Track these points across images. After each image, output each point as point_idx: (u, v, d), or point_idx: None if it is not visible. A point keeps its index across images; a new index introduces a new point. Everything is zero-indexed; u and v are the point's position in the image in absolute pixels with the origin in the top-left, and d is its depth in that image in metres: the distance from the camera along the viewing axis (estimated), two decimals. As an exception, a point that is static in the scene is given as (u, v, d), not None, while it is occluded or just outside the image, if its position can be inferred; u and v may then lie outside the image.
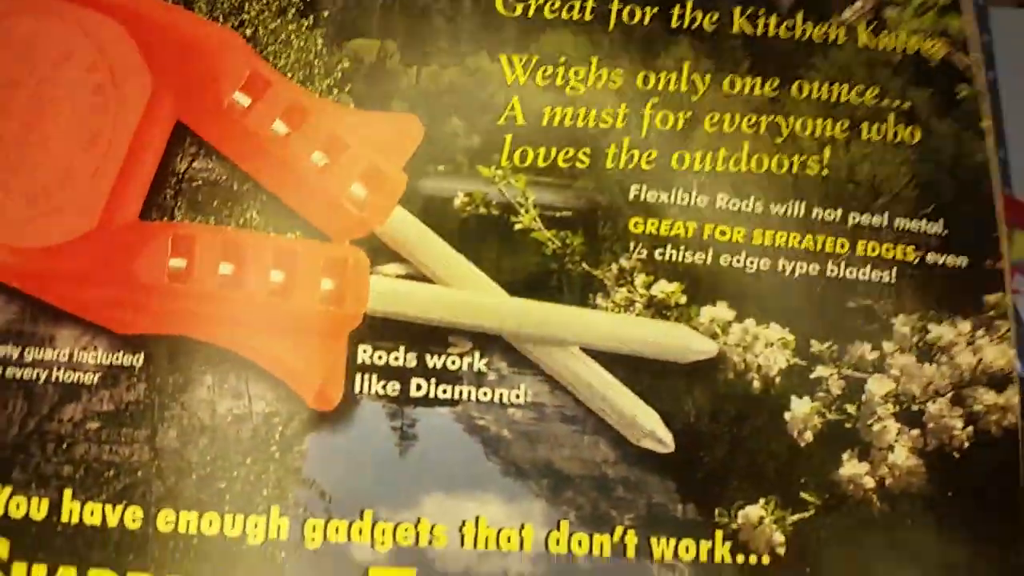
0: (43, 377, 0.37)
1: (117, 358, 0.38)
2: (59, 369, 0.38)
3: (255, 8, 0.41)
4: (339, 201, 0.38)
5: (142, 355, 0.38)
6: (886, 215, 0.41)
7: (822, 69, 0.42)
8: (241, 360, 0.38)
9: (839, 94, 0.41)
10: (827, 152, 0.41)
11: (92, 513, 0.37)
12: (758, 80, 0.42)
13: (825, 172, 0.41)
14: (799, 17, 0.42)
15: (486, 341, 0.38)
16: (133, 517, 0.37)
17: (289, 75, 0.40)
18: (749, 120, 0.41)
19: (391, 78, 0.41)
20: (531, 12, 0.41)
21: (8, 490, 0.36)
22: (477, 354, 0.38)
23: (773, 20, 0.42)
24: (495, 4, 0.42)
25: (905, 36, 0.43)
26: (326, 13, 0.41)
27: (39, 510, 0.36)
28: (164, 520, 0.36)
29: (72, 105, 0.39)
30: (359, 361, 0.38)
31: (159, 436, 0.38)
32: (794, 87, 0.42)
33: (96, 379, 0.38)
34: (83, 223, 0.38)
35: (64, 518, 0.36)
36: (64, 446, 0.37)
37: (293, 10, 0.41)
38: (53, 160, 0.39)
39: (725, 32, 0.41)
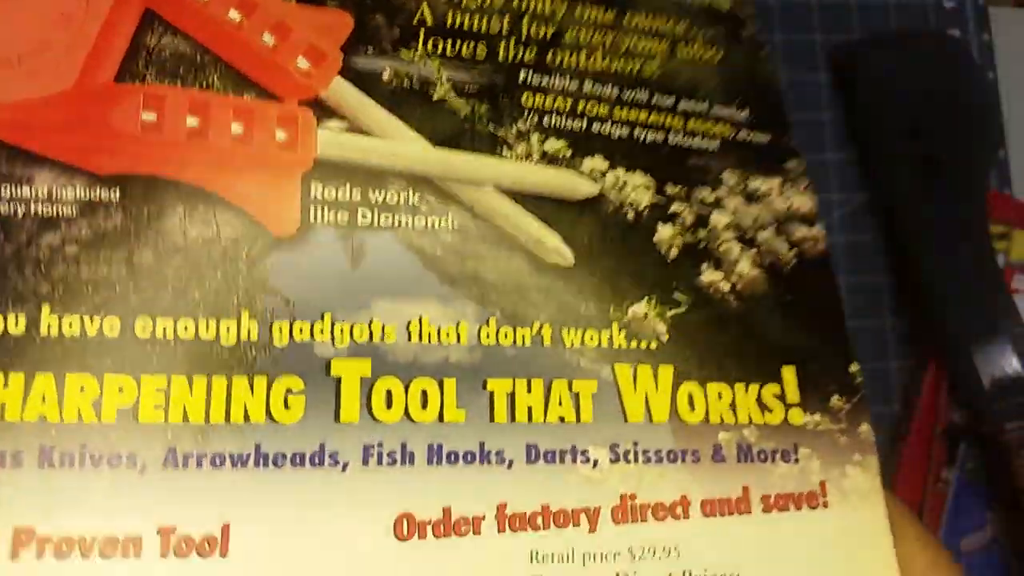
0: (21, 212, 0.31)
1: (95, 193, 0.32)
2: (38, 203, 0.31)
3: None
4: (288, 70, 0.34)
5: (118, 190, 0.32)
6: (707, 103, 0.40)
7: (652, 5, 0.41)
8: (209, 194, 0.33)
9: (659, 24, 0.41)
10: (658, 59, 0.40)
11: (71, 325, 0.30)
12: (601, 8, 0.40)
13: (660, 72, 0.40)
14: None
15: (417, 181, 0.35)
16: (111, 326, 0.31)
17: None
18: (602, 34, 0.40)
19: None
20: None
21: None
22: (411, 189, 0.35)
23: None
24: None
25: None
26: None
27: (17, 325, 0.30)
28: (142, 327, 0.31)
29: None
30: (312, 196, 0.33)
31: (136, 256, 0.31)
32: (628, 15, 0.41)
33: (75, 211, 0.31)
34: (60, 83, 0.32)
35: (43, 331, 0.30)
36: (42, 268, 0.31)
37: None
38: (28, 32, 0.33)
39: None
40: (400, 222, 0.34)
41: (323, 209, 0.33)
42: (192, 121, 0.33)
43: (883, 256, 0.42)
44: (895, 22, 0.44)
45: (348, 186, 0.34)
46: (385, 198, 0.34)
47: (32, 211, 0.31)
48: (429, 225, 0.34)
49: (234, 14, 0.35)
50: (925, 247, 0.39)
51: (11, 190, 0.31)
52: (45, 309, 0.30)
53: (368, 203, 0.34)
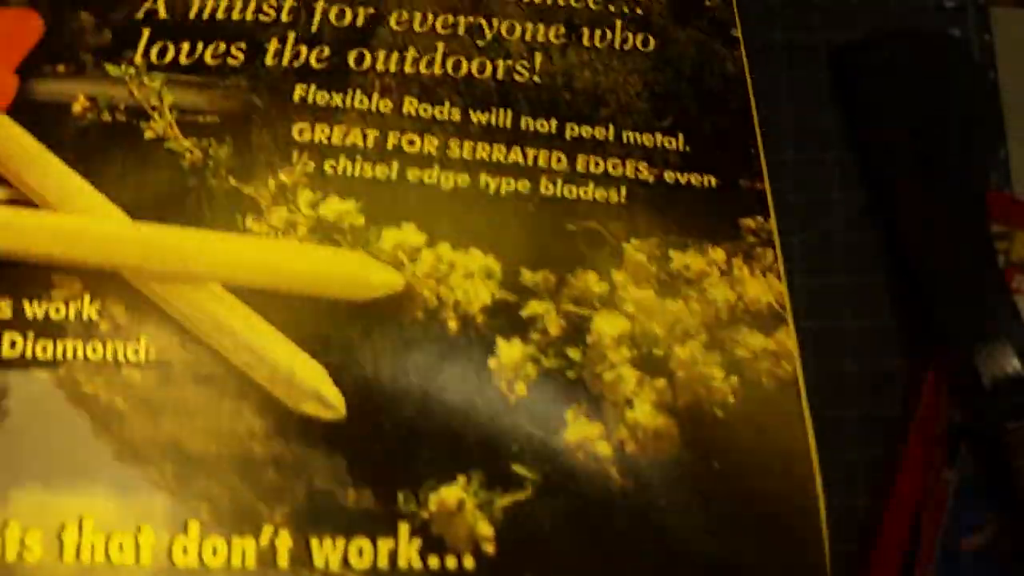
0: None
1: None
2: None
3: None
4: None
5: None
6: (611, 128, 0.23)
7: None
8: None
9: None
10: (539, 57, 0.23)
11: None
12: None
13: (536, 79, 0.23)
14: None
15: (100, 281, 0.20)
16: None
17: None
18: (445, 20, 0.23)
19: None
20: None
21: None
22: (87, 297, 0.20)
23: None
24: None
25: None
26: None
27: None
28: None
29: None
30: None
31: None
32: None
33: None
34: None
35: None
36: None
37: None
38: None
39: None
40: (65, 353, 0.20)
41: None
42: None
43: (883, 256, 0.38)
44: (895, 22, 0.41)
45: None
46: (48, 312, 0.20)
47: None
48: (109, 356, 0.20)
49: None
50: (925, 247, 0.36)
51: None
52: None
53: (22, 321, 0.20)
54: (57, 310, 0.20)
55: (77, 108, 0.21)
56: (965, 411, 0.37)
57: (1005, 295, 0.37)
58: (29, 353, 0.20)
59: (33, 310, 0.20)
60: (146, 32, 0.22)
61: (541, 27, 0.24)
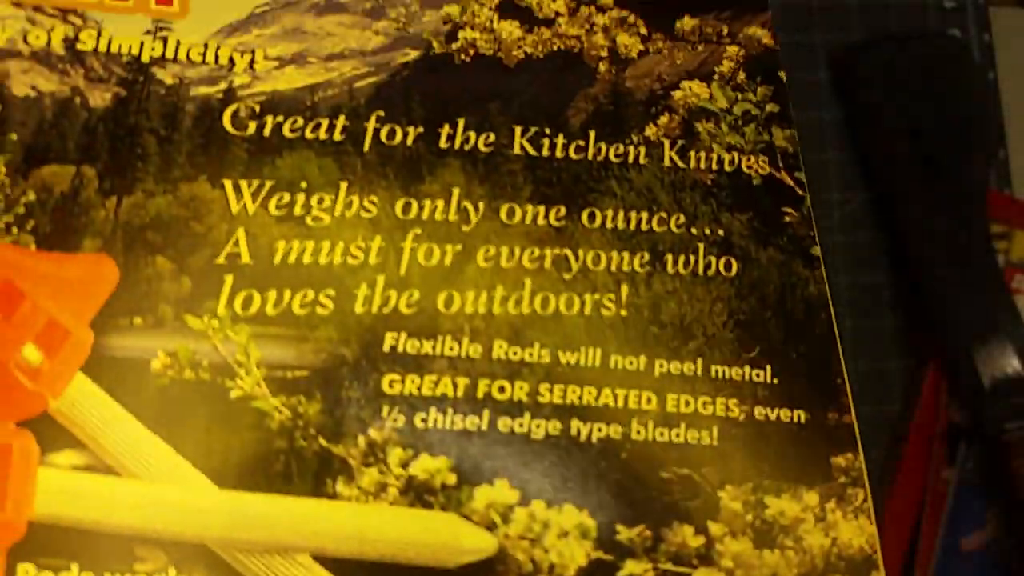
0: None
1: None
2: None
3: None
4: (8, 370, 0.19)
5: None
6: (700, 362, 0.22)
7: (619, 194, 0.23)
8: None
9: (638, 223, 0.23)
10: (625, 289, 0.22)
11: None
12: (541, 208, 0.23)
13: (623, 312, 0.22)
14: (592, 136, 0.24)
15: (186, 552, 0.19)
16: None
17: None
18: (531, 253, 0.22)
19: (84, 211, 0.21)
20: (267, 131, 0.22)
21: None
22: (172, 571, 0.18)
23: (560, 140, 0.24)
24: (222, 122, 0.22)
25: (720, 152, 0.24)
26: (14, 137, 0.22)
27: None
28: None
29: None
30: None
31: None
32: (584, 215, 0.23)
33: None
34: None
35: None
36: None
37: None
38: None
39: (504, 154, 0.23)
40: None
41: None
42: None
43: (883, 256, 0.39)
44: (895, 22, 0.42)
45: (75, 568, 0.19)
46: None
47: None
48: None
49: None
50: (925, 247, 0.36)
51: None
52: None
53: None
54: None
55: (157, 365, 0.20)
56: (965, 411, 0.37)
57: (1005, 295, 0.37)
58: (111, 638, 0.19)
59: None
60: (229, 279, 0.21)
61: (626, 255, 0.23)
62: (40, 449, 0.19)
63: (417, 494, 0.20)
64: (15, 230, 0.21)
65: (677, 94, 0.26)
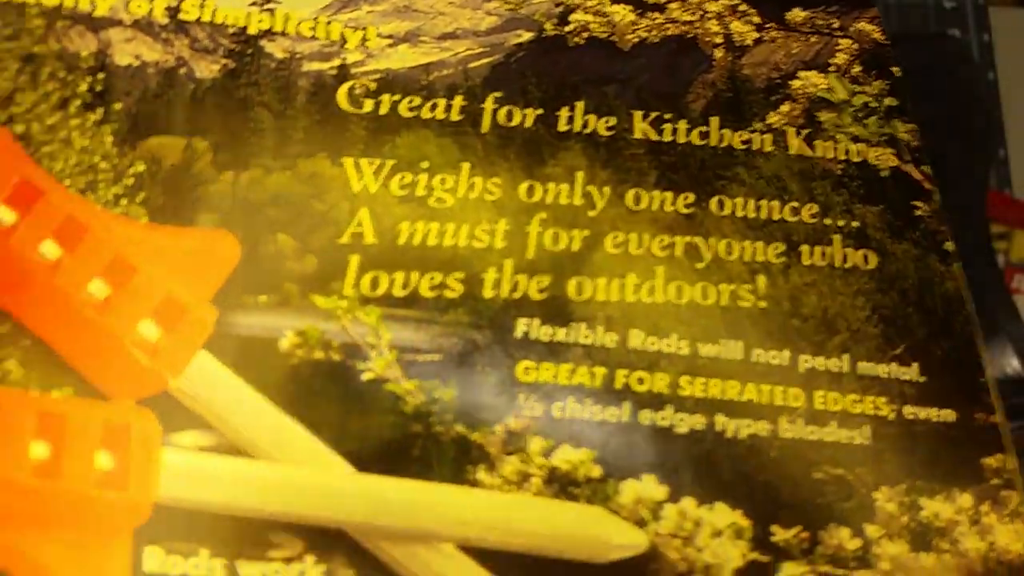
0: None
1: None
2: None
3: (29, 99, 0.26)
4: (122, 345, 0.24)
5: None
6: (846, 358, 0.27)
7: (747, 182, 0.29)
8: None
9: (770, 211, 0.29)
10: (761, 280, 0.28)
11: None
12: (668, 195, 0.28)
13: (762, 304, 0.28)
14: (714, 123, 0.30)
15: (324, 539, 0.23)
16: None
17: (67, 182, 0.26)
18: (661, 241, 0.28)
19: (198, 185, 0.26)
20: (384, 109, 0.28)
21: None
22: (311, 559, 0.23)
23: (683, 125, 0.30)
24: (337, 99, 0.28)
25: (846, 143, 0.31)
26: (119, 106, 0.27)
27: None
28: None
29: None
30: (146, 570, 0.23)
31: None
32: (713, 203, 0.29)
33: None
34: None
35: None
36: None
37: (78, 102, 0.27)
38: None
39: (625, 138, 0.29)
40: None
41: None
42: None
43: None
44: (895, 22, 0.50)
45: (205, 554, 0.24)
46: (264, 574, 0.24)
47: None
48: None
49: (49, 248, 0.25)
50: None
51: None
52: None
53: None
54: (277, 572, 0.24)
55: (285, 344, 0.26)
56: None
57: (1005, 295, 0.44)
58: (245, 625, 0.24)
59: (250, 571, 0.24)
60: (354, 259, 0.26)
61: (760, 245, 0.29)
62: (163, 429, 0.24)
63: (561, 486, 0.25)
64: (124, 202, 0.27)
65: (795, 83, 0.33)
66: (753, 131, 0.31)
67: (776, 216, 0.30)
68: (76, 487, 0.24)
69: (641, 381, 0.27)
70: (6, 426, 0.24)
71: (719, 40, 0.33)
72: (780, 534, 0.26)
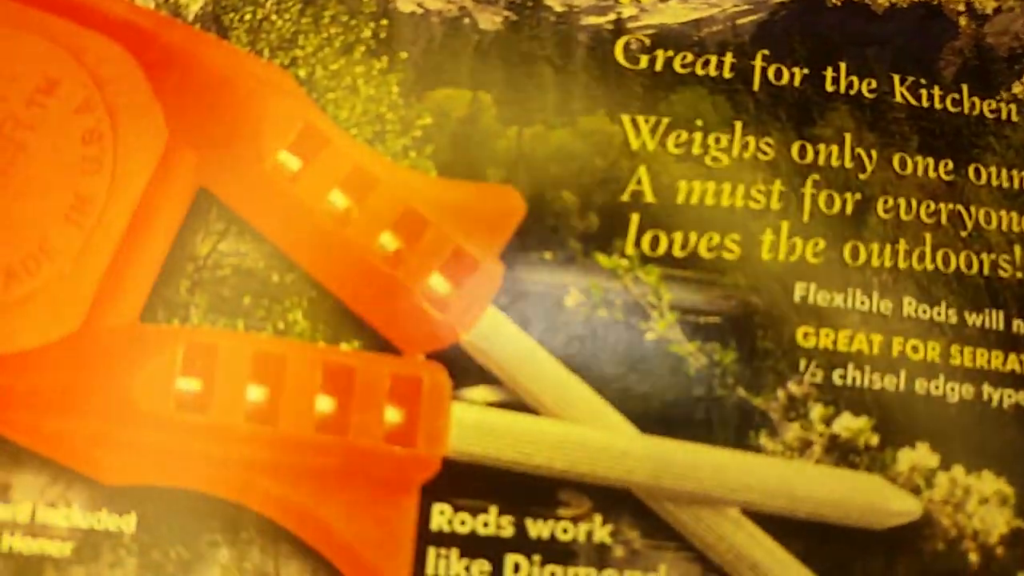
0: None
1: (99, 520, 0.17)
2: (15, 533, 0.17)
3: (312, 43, 0.20)
4: (414, 299, 0.17)
5: (134, 517, 0.17)
6: None
7: (999, 151, 0.21)
8: (270, 527, 0.17)
9: (1021, 181, 0.21)
10: (1018, 250, 0.20)
11: None
12: (930, 160, 0.21)
13: (1020, 275, 0.20)
14: (964, 90, 0.22)
15: (610, 499, 0.17)
16: None
17: (353, 131, 0.19)
18: (928, 207, 0.20)
19: (485, 139, 0.19)
20: (659, 66, 0.20)
21: None
22: (599, 519, 0.17)
23: (937, 92, 0.21)
24: (614, 54, 0.20)
25: None
26: (404, 55, 0.20)
27: None
28: None
29: (53, 155, 0.18)
30: (433, 528, 0.17)
31: None
32: (971, 170, 0.21)
33: (68, 550, 0.17)
34: (60, 323, 0.17)
35: None
36: None
37: (363, 49, 0.20)
38: (20, 231, 0.17)
39: (887, 101, 0.21)
40: None
41: (450, 555, 0.17)
42: (255, 393, 0.17)
43: None
44: None
45: (494, 511, 0.18)
46: (554, 532, 0.18)
47: (6, 546, 0.17)
48: None
49: (337, 198, 0.19)
50: None
51: None
52: None
53: (525, 541, 0.18)
54: (565, 530, 0.18)
55: (570, 302, 0.19)
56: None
57: None
58: (536, 577, 0.18)
59: (538, 530, 0.18)
60: (635, 218, 0.19)
61: (1015, 215, 0.21)
62: (453, 384, 0.18)
63: (841, 453, 0.19)
64: (413, 154, 0.20)
65: (1035, 52, 0.24)
66: (1000, 100, 0.23)
67: (1028, 185, 0.22)
68: (363, 442, 0.17)
69: (915, 349, 0.20)
70: (292, 379, 0.18)
71: (962, 8, 0.24)
72: (1043, 505, 0.19)
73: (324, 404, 0.18)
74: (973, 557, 0.18)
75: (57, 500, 0.17)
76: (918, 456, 0.19)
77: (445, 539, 0.17)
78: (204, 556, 0.17)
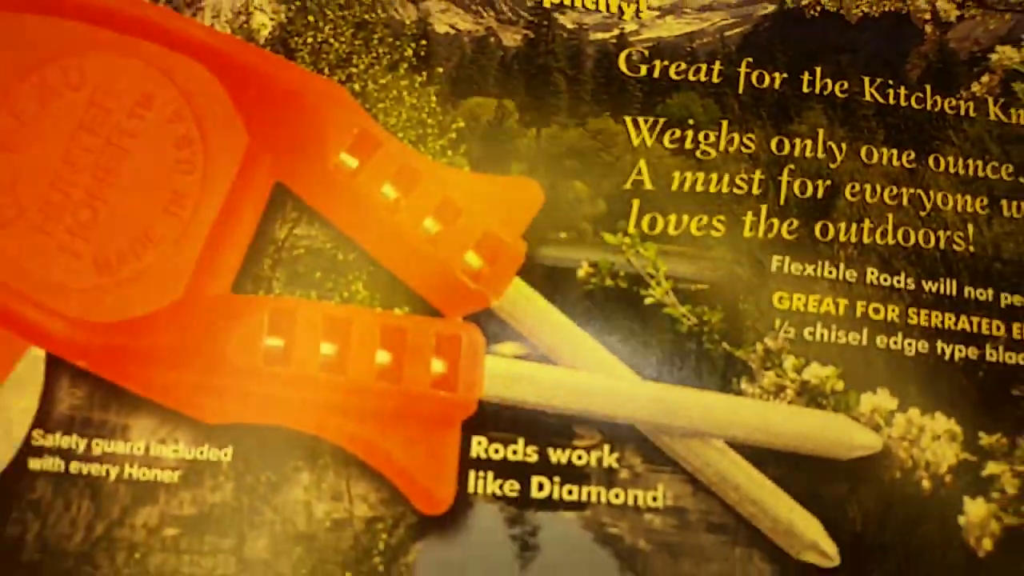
0: (114, 474, 0.21)
1: (202, 452, 0.21)
2: (133, 465, 0.21)
3: (364, 62, 0.24)
4: (452, 272, 0.21)
5: (230, 449, 0.21)
6: None
7: (956, 143, 0.25)
8: (342, 455, 0.21)
9: (975, 169, 0.24)
10: (971, 228, 0.24)
11: (164, 636, 0.21)
12: (894, 151, 0.24)
13: (972, 249, 0.23)
14: (928, 89, 0.25)
15: (617, 433, 0.21)
16: (213, 645, 0.21)
17: (400, 135, 0.23)
18: (890, 191, 0.24)
19: (509, 139, 0.24)
20: (656, 73, 0.24)
21: (70, 608, 0.20)
22: (607, 448, 0.21)
23: (903, 91, 0.25)
24: (618, 64, 0.24)
25: None
26: (440, 69, 0.24)
27: (109, 631, 0.21)
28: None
29: (152, 158, 0.22)
30: (473, 455, 0.21)
31: (247, 545, 0.20)
32: (931, 160, 0.24)
33: (176, 477, 0.20)
34: (165, 294, 0.21)
35: (135, 639, 0.20)
36: (137, 556, 0.20)
37: (406, 65, 0.24)
38: (129, 221, 0.21)
39: (857, 100, 0.25)
40: (590, 496, 0.21)
41: (486, 476, 0.21)
42: (327, 348, 0.21)
43: None
44: None
45: (522, 442, 0.21)
46: (571, 458, 0.21)
47: (126, 474, 0.21)
48: (630, 501, 0.21)
49: (389, 190, 0.22)
50: None
51: (103, 445, 0.21)
52: (137, 612, 0.20)
53: (547, 466, 0.21)
54: (579, 457, 0.22)
55: (582, 273, 0.23)
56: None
57: None
58: (556, 495, 0.21)
59: (558, 457, 0.22)
60: (636, 203, 0.23)
61: (968, 198, 0.25)
62: (486, 340, 0.22)
63: (811, 396, 0.22)
64: (449, 153, 0.24)
65: (994, 56, 0.27)
66: (960, 98, 0.26)
67: (980, 173, 0.25)
68: (414, 389, 0.21)
69: (877, 311, 0.23)
70: (356, 338, 0.22)
71: (927, 16, 0.28)
72: (985, 439, 0.22)
73: (382, 358, 0.22)
74: (926, 484, 0.22)
75: (167, 438, 0.22)
76: (879, 400, 0.22)
77: (482, 464, 0.21)
78: (289, 479, 0.21)
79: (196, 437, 0.22)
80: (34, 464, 0.22)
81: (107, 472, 0.21)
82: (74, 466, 0.21)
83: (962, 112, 0.26)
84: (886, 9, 0.27)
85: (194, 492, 0.21)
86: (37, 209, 0.23)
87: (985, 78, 0.27)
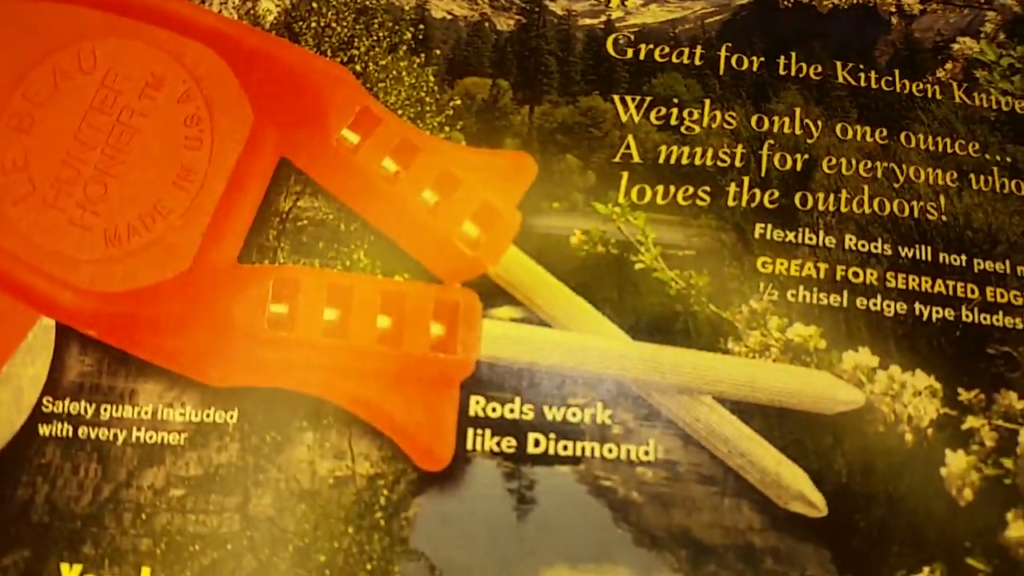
0: (121, 438, 0.21)
1: (208, 415, 0.22)
2: (140, 428, 0.21)
3: (365, 44, 0.25)
4: (450, 241, 0.22)
5: (236, 411, 0.22)
6: (1007, 262, 0.25)
7: (925, 122, 0.26)
8: (344, 415, 0.22)
9: (944, 146, 0.26)
10: (943, 199, 0.25)
11: (174, 592, 0.21)
12: (868, 128, 0.26)
13: (944, 218, 0.25)
14: (896, 73, 0.27)
15: (609, 390, 0.22)
16: (220, 596, 0.21)
17: (399, 112, 0.24)
18: (866, 165, 0.25)
19: (503, 116, 0.25)
20: (642, 55, 0.26)
21: (79, 568, 0.20)
22: (600, 405, 0.22)
23: (873, 75, 0.27)
24: (606, 47, 0.26)
25: (996, 96, 0.27)
26: (438, 51, 0.25)
27: (113, 587, 0.21)
28: (255, 602, 0.21)
29: (161, 135, 0.23)
30: (471, 414, 0.22)
31: (252, 503, 0.21)
32: (902, 136, 0.26)
33: (183, 439, 0.21)
34: (174, 264, 0.22)
35: (142, 598, 0.21)
36: (143, 516, 0.21)
37: (405, 48, 0.25)
38: (139, 195, 0.22)
39: (831, 82, 0.26)
40: (584, 451, 0.22)
41: (484, 434, 0.22)
42: (330, 314, 0.22)
43: None
44: None
45: (518, 401, 0.22)
46: (565, 415, 0.22)
47: (134, 438, 0.22)
48: (623, 455, 0.22)
49: (389, 164, 0.24)
50: None
51: (111, 410, 0.22)
52: (146, 572, 0.21)
53: (543, 423, 0.22)
54: (574, 414, 0.23)
55: (575, 241, 0.24)
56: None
57: None
58: (551, 451, 0.22)
59: (553, 414, 0.23)
60: (625, 175, 0.24)
61: (939, 172, 0.26)
62: (483, 305, 0.23)
63: (795, 354, 0.23)
64: (447, 129, 0.25)
65: (955, 46, 0.29)
66: (927, 82, 0.28)
67: (949, 150, 0.27)
68: (414, 351, 0.22)
69: (856, 275, 0.24)
70: (357, 304, 0.23)
71: (893, 9, 0.29)
72: (964, 395, 0.23)
73: (383, 322, 0.23)
74: (909, 437, 0.23)
75: (174, 401, 0.22)
76: (860, 357, 0.23)
77: (480, 422, 0.22)
78: (293, 438, 0.22)
79: (203, 400, 0.22)
80: (44, 429, 0.22)
81: (115, 436, 0.22)
82: (82, 431, 0.22)
83: (929, 95, 0.28)
84: (854, 1, 0.30)
85: (200, 453, 0.22)
86: (49, 185, 0.24)
87: (949, 65, 0.29)
